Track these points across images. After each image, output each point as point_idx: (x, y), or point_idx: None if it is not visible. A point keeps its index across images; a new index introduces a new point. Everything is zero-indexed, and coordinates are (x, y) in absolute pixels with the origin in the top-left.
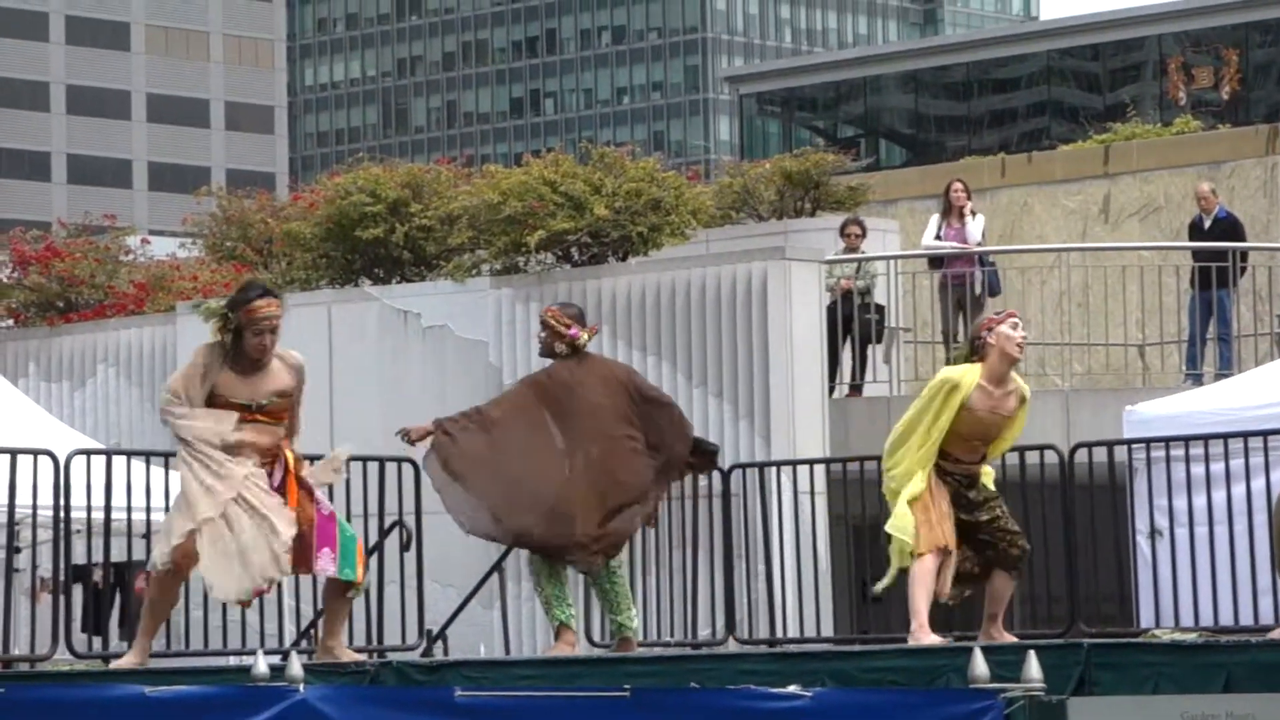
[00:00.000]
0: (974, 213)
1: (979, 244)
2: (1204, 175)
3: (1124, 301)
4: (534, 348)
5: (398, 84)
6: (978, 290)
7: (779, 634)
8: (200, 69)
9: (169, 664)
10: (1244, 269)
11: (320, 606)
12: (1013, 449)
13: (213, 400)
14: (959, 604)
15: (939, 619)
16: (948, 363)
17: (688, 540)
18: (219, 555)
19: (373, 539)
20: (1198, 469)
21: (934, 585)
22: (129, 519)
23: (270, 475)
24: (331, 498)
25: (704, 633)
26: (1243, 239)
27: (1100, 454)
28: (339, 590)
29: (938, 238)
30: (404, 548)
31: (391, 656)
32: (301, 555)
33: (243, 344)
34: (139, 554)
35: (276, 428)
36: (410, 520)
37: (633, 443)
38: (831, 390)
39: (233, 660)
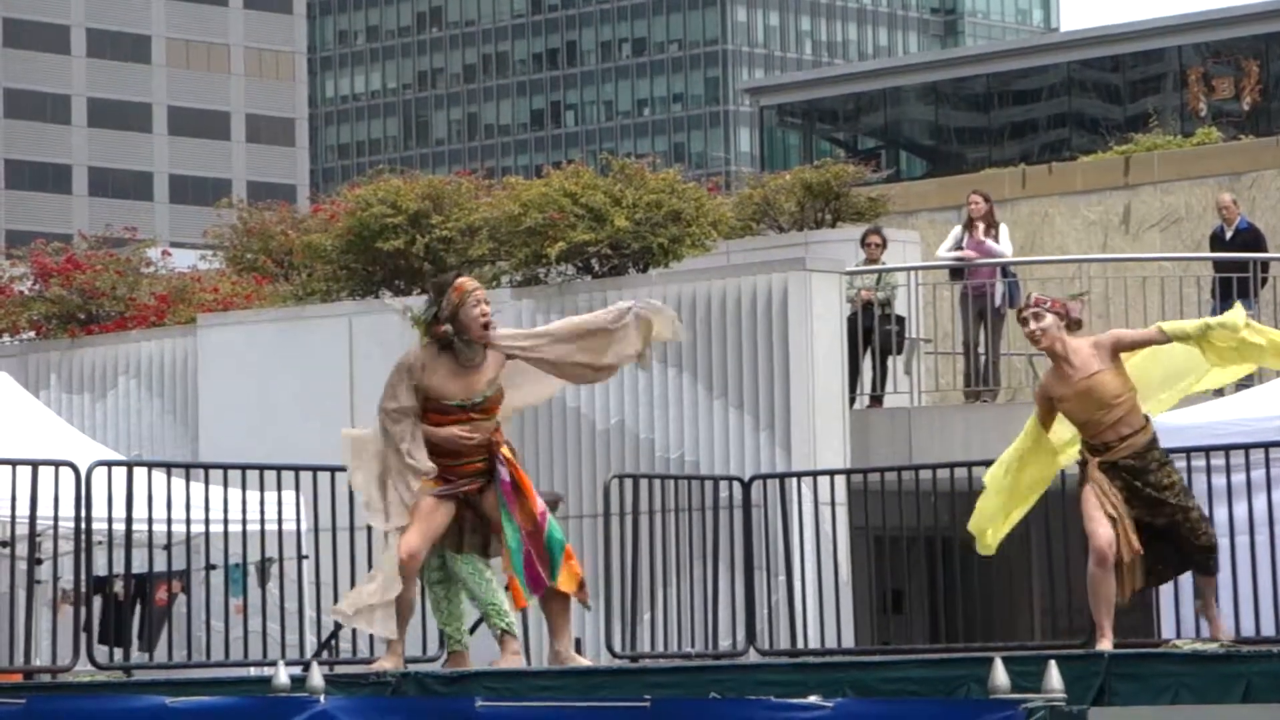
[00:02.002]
0: (998, 223)
1: (1004, 255)
2: (1224, 186)
3: (1144, 312)
4: None
5: (418, 96)
6: (998, 302)
7: (799, 645)
8: (221, 81)
9: (190, 675)
10: (1265, 280)
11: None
12: None
13: (426, 405)
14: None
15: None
16: (967, 374)
17: (708, 551)
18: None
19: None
20: (1218, 480)
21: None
22: (150, 530)
23: (495, 474)
24: None
25: (724, 643)
26: (1264, 250)
27: None
28: (554, 594)
29: (959, 247)
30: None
31: (413, 667)
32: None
33: (463, 329)
34: (160, 565)
35: (488, 423)
36: None
37: None
38: (852, 401)
39: (254, 671)
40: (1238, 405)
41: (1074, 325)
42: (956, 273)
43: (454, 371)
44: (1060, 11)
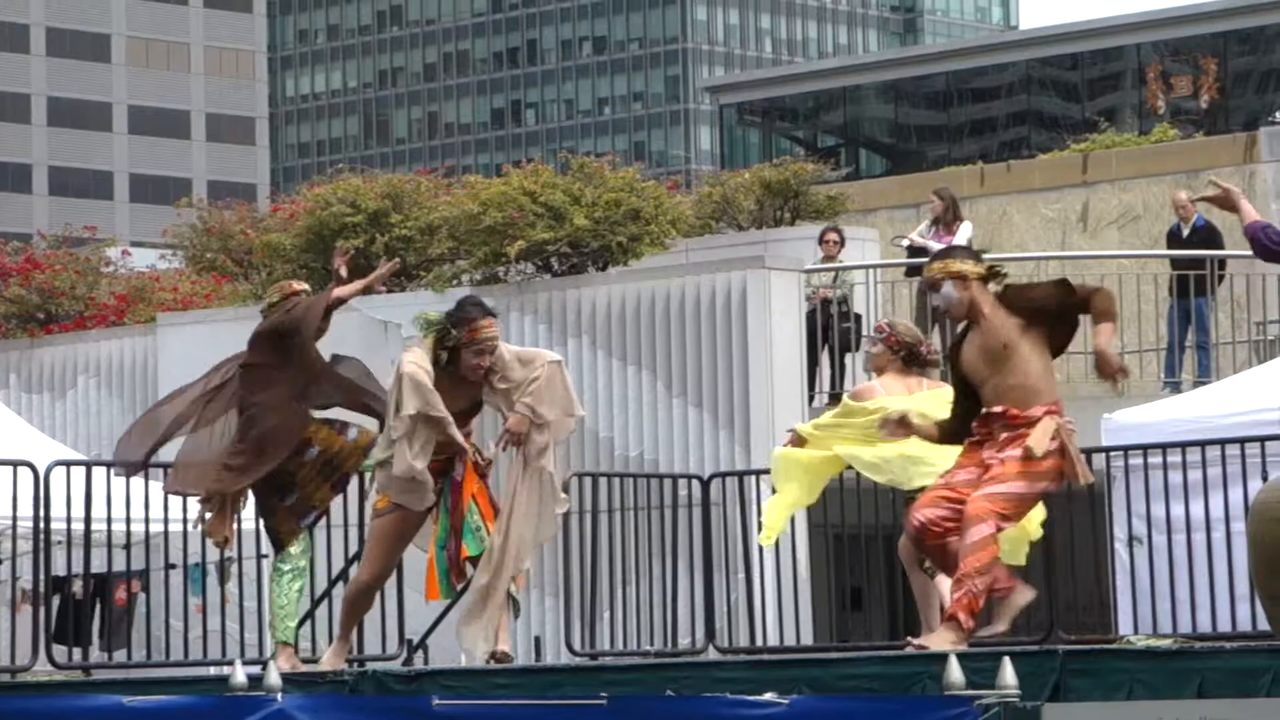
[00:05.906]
0: (961, 220)
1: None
2: (1182, 183)
3: None
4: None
5: (379, 95)
6: None
7: (759, 642)
8: (181, 80)
9: (149, 674)
10: (1222, 277)
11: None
12: None
13: None
14: None
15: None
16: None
17: (667, 549)
18: None
19: (353, 548)
20: (1176, 477)
21: None
22: (109, 530)
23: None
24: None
25: (684, 641)
26: (1221, 247)
27: None
28: None
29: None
30: None
31: (371, 666)
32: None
33: (459, 361)
34: (119, 565)
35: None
36: None
37: None
38: (811, 399)
39: (213, 671)
40: (1195, 402)
41: (915, 361)
42: (914, 268)
43: (446, 384)
44: (1019, 10)
